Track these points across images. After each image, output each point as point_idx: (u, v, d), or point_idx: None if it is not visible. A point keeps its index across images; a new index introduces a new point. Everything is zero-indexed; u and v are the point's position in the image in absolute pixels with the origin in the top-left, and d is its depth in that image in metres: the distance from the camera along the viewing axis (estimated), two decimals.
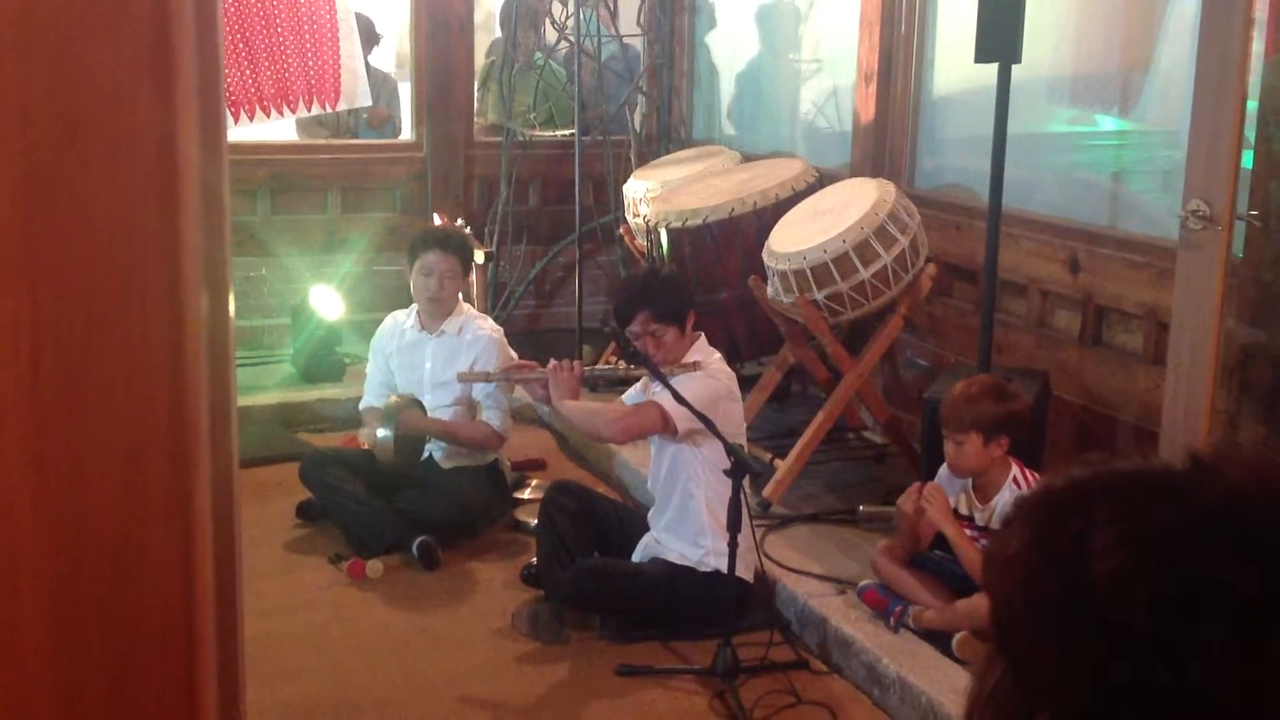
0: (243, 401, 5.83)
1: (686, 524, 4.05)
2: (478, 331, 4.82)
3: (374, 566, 4.47)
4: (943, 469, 3.86)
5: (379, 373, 5.04)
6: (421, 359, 4.90)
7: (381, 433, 4.59)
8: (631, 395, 4.27)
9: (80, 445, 1.01)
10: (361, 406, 5.09)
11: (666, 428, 3.96)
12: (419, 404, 4.76)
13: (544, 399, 4.18)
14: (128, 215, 1.03)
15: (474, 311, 5.05)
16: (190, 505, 1.06)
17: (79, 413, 1.01)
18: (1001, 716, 0.89)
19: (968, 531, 3.71)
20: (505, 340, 4.88)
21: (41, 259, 1.00)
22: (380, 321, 5.18)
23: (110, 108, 1.01)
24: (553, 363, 4.12)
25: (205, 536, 1.08)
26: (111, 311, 1.03)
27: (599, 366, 4.31)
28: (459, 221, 6.47)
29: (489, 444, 4.85)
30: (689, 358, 4.02)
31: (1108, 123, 5.03)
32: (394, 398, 4.72)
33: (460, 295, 4.97)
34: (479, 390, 4.79)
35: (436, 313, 4.87)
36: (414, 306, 4.96)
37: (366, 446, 5.22)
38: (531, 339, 6.61)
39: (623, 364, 4.07)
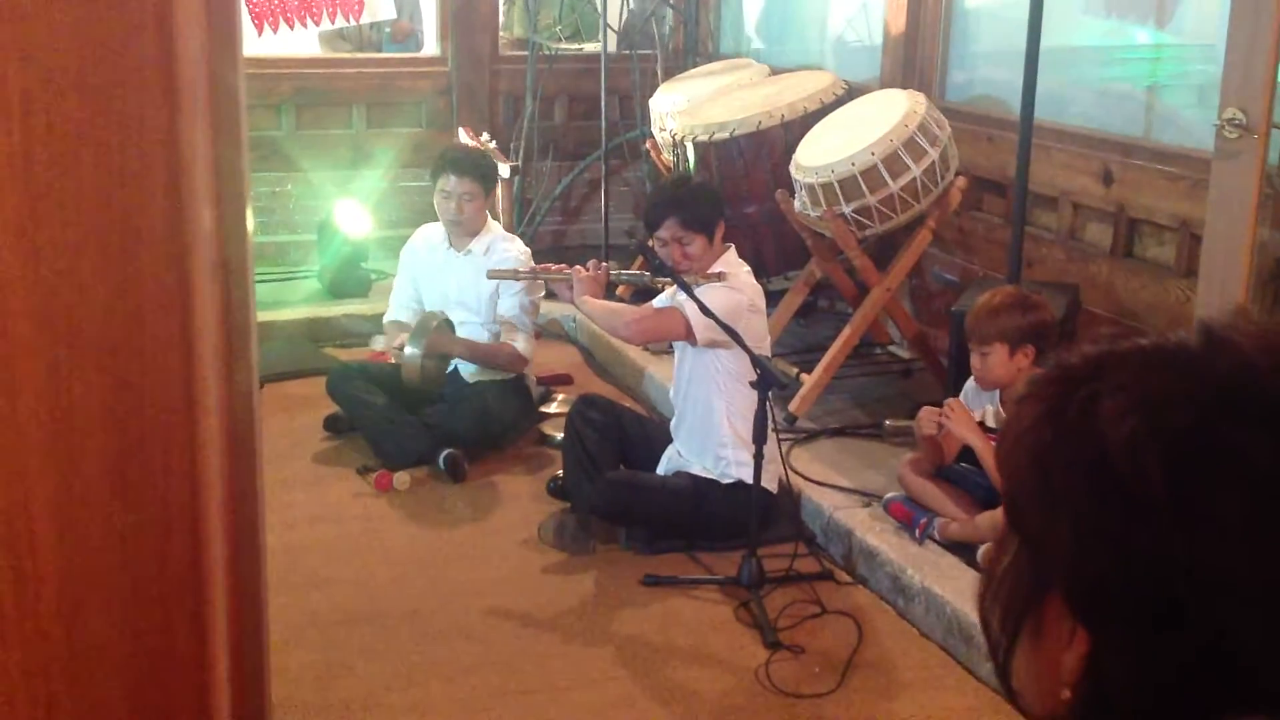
0: (270, 317, 5.87)
1: (708, 435, 4.05)
2: (505, 252, 4.80)
3: (401, 478, 4.49)
4: (969, 383, 3.84)
5: (407, 286, 5.05)
6: (448, 276, 4.90)
7: (409, 350, 4.59)
8: (660, 303, 4.26)
9: (75, 240, 0.99)
10: (386, 319, 5.08)
11: (687, 335, 3.95)
12: (449, 323, 4.76)
13: (569, 299, 4.20)
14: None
15: (502, 231, 5.02)
16: (191, 301, 1.05)
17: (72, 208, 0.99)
18: (1014, 597, 0.88)
19: (994, 444, 3.70)
20: (531, 259, 4.86)
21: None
22: (407, 237, 5.18)
23: None
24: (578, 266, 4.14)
25: (203, 343, 1.06)
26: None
27: (625, 272, 4.29)
28: (484, 136, 6.42)
29: (513, 366, 4.85)
30: (715, 269, 4.00)
31: (1143, 36, 4.93)
32: (426, 315, 4.71)
33: (489, 214, 4.95)
34: (506, 311, 4.79)
35: (460, 233, 4.86)
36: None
37: (392, 360, 5.25)
38: (556, 255, 6.56)
39: (649, 272, 4.07)
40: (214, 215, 1.07)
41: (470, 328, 4.85)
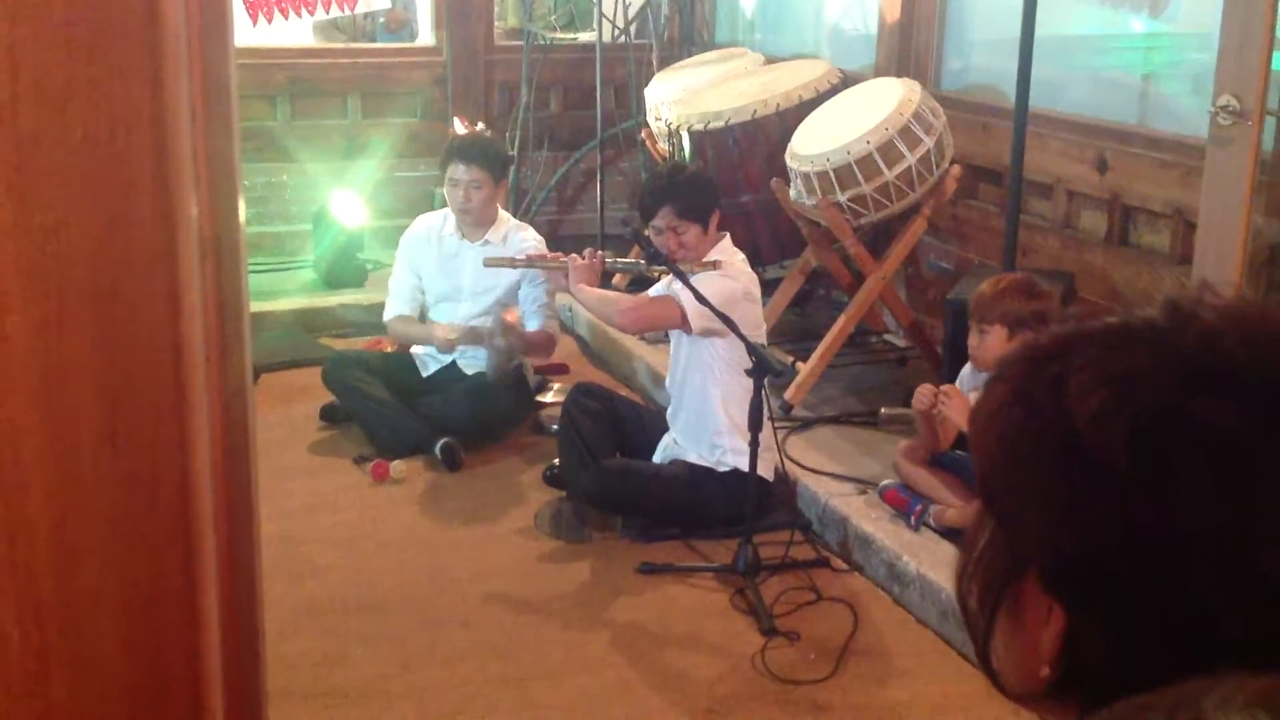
0: (266, 307, 5.87)
1: (703, 423, 4.06)
2: (522, 242, 4.79)
3: (398, 468, 4.50)
4: (965, 368, 3.85)
5: (408, 277, 4.97)
6: (460, 267, 4.87)
7: (500, 343, 4.63)
8: (656, 292, 4.27)
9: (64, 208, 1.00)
10: (389, 315, 4.98)
11: (682, 323, 3.96)
12: (502, 322, 4.75)
13: (565, 288, 4.20)
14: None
15: (515, 221, 5.01)
16: (179, 252, 1.05)
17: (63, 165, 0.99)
18: (990, 577, 0.89)
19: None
20: (546, 249, 4.85)
21: None
22: (403, 227, 5.15)
23: None
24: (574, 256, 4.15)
25: (192, 293, 1.07)
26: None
27: (621, 260, 4.30)
28: (480, 126, 6.42)
29: (549, 349, 4.89)
30: (711, 257, 4.01)
31: (1138, 24, 4.93)
32: (507, 316, 4.71)
33: (500, 205, 4.93)
34: (530, 300, 4.79)
35: (470, 222, 4.84)
36: (446, 212, 4.93)
37: (390, 350, 5.25)
38: (552, 245, 6.46)
39: (644, 260, 4.07)
40: (204, 167, 1.08)
41: (483, 319, 4.82)
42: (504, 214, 4.95)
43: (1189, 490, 0.78)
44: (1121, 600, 0.81)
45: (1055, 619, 0.84)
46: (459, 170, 4.73)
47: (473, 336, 4.73)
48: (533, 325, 4.80)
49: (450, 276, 4.89)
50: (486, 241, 4.82)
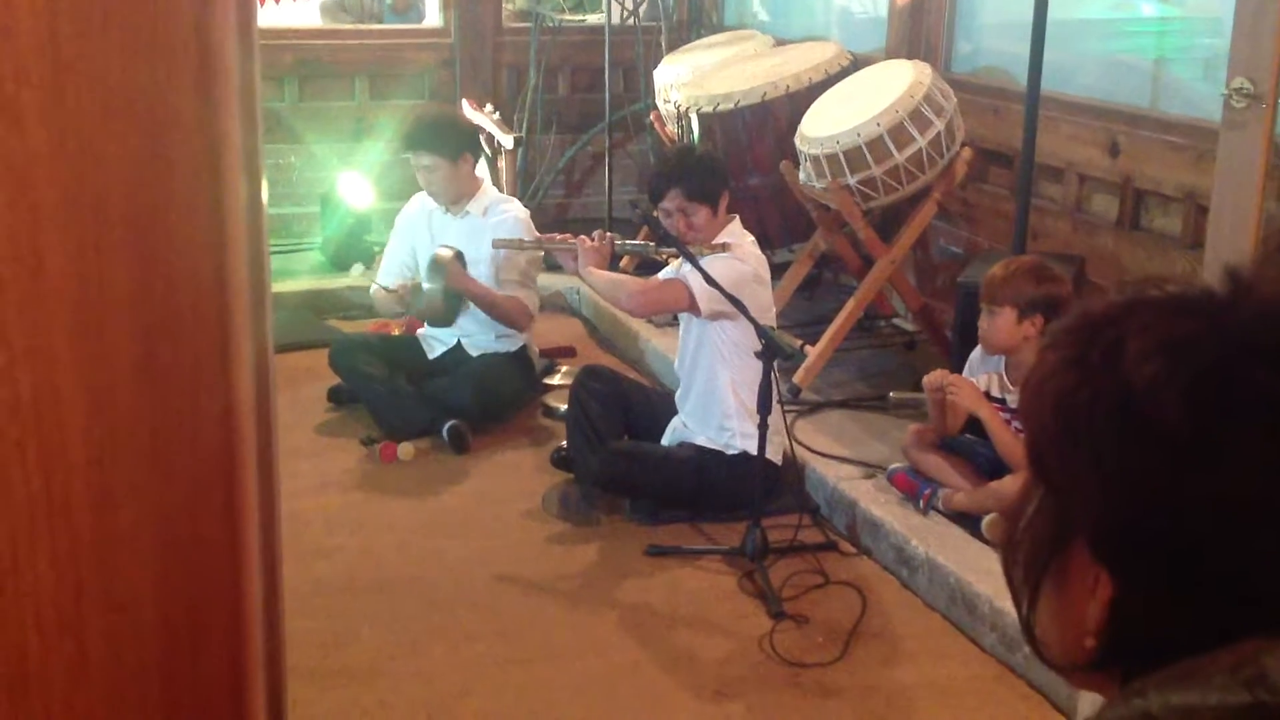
0: (274, 288, 5.84)
1: (712, 407, 4.05)
2: (503, 214, 4.78)
3: (405, 449, 4.50)
4: (975, 352, 3.84)
5: (399, 253, 4.96)
6: (445, 239, 4.86)
7: (428, 285, 4.56)
8: (666, 275, 4.26)
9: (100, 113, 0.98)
10: (373, 288, 4.90)
11: (690, 305, 3.95)
12: (462, 258, 4.71)
13: (573, 270, 4.20)
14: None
15: (498, 194, 5.00)
16: (222, 185, 1.04)
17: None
18: (1037, 545, 0.89)
19: (999, 411, 3.69)
20: (530, 221, 4.83)
21: None
22: None
23: None
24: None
25: (234, 225, 1.05)
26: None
27: (630, 242, 4.29)
28: (488, 108, 6.40)
29: (520, 319, 4.82)
30: (720, 239, 4.00)
31: (1149, 9, 4.91)
32: (441, 250, 4.63)
33: (487, 177, 4.90)
34: (511, 274, 4.77)
35: (444, 201, 4.83)
36: None
37: (397, 333, 5.24)
38: (560, 228, 6.49)
39: (653, 243, 4.06)
40: (244, 100, 1.06)
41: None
42: (488, 186, 4.93)
43: (1242, 458, 0.78)
44: (1171, 567, 0.81)
45: (1102, 588, 0.84)
46: (411, 158, 4.76)
47: (411, 288, 4.70)
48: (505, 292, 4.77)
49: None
50: (468, 213, 4.82)
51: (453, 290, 4.64)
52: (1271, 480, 0.78)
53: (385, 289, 4.74)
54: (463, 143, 4.79)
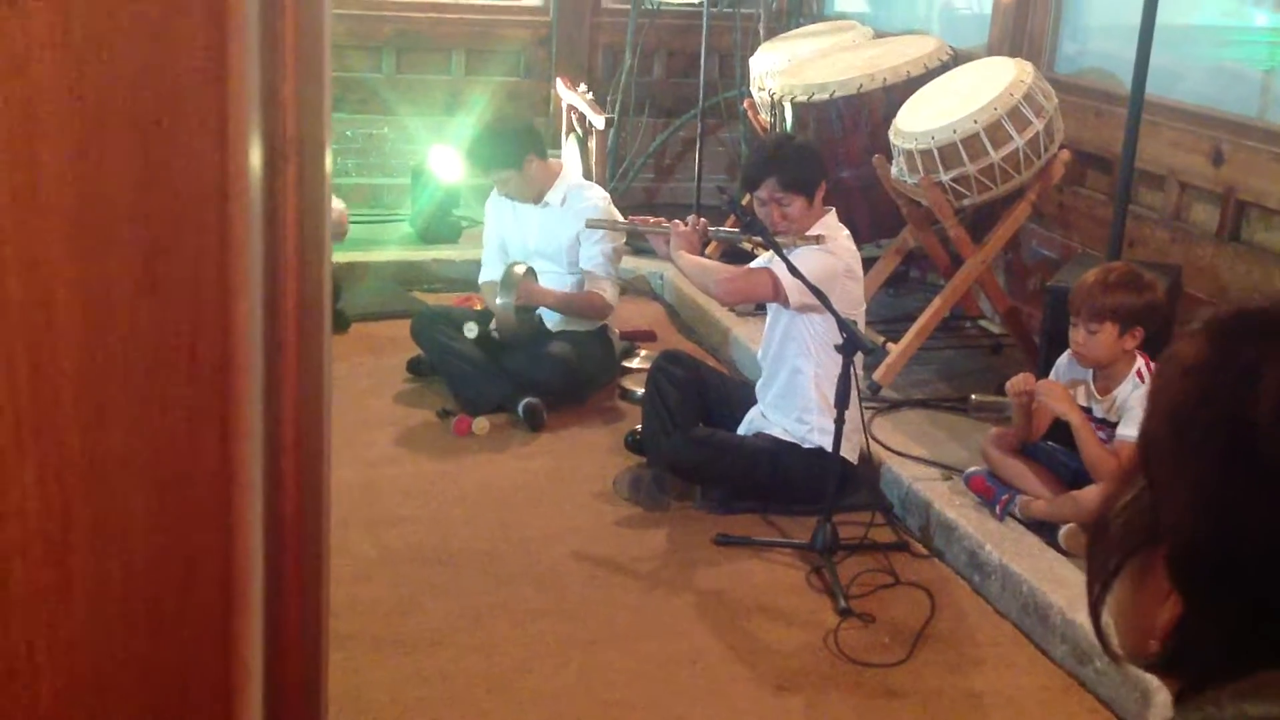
0: (362, 258, 5.92)
1: (793, 399, 4.01)
2: (584, 202, 4.77)
3: (480, 424, 4.51)
4: (1063, 357, 3.74)
5: (493, 241, 5.04)
6: (528, 228, 4.90)
7: (500, 301, 4.60)
8: (758, 265, 4.22)
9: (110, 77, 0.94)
10: (481, 280, 5.06)
11: (777, 296, 3.91)
12: (533, 272, 4.76)
13: (665, 254, 4.19)
14: None
15: (575, 179, 4.99)
16: (228, 77, 0.98)
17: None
18: (1126, 534, 0.85)
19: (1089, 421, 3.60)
20: (613, 205, 4.82)
21: None
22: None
23: None
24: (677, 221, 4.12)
25: (238, 123, 0.99)
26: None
27: (722, 229, 4.26)
28: (582, 88, 6.40)
29: (600, 314, 4.84)
30: (814, 231, 3.95)
31: (1262, 18, 4.77)
32: (513, 266, 4.70)
33: (569, 159, 4.90)
34: (588, 260, 4.77)
35: (525, 201, 4.86)
36: None
37: (480, 307, 5.26)
38: (648, 212, 6.49)
39: (742, 231, 4.03)
40: (290, 55, 1.03)
41: (552, 277, 4.83)
42: (566, 171, 4.94)
43: None
44: (1243, 599, 0.77)
45: (1174, 602, 0.81)
46: (485, 175, 4.86)
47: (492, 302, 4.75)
48: (596, 288, 4.78)
49: (521, 237, 4.94)
50: (546, 203, 4.83)
51: (526, 305, 4.68)
52: None
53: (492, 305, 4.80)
54: (523, 147, 4.77)
